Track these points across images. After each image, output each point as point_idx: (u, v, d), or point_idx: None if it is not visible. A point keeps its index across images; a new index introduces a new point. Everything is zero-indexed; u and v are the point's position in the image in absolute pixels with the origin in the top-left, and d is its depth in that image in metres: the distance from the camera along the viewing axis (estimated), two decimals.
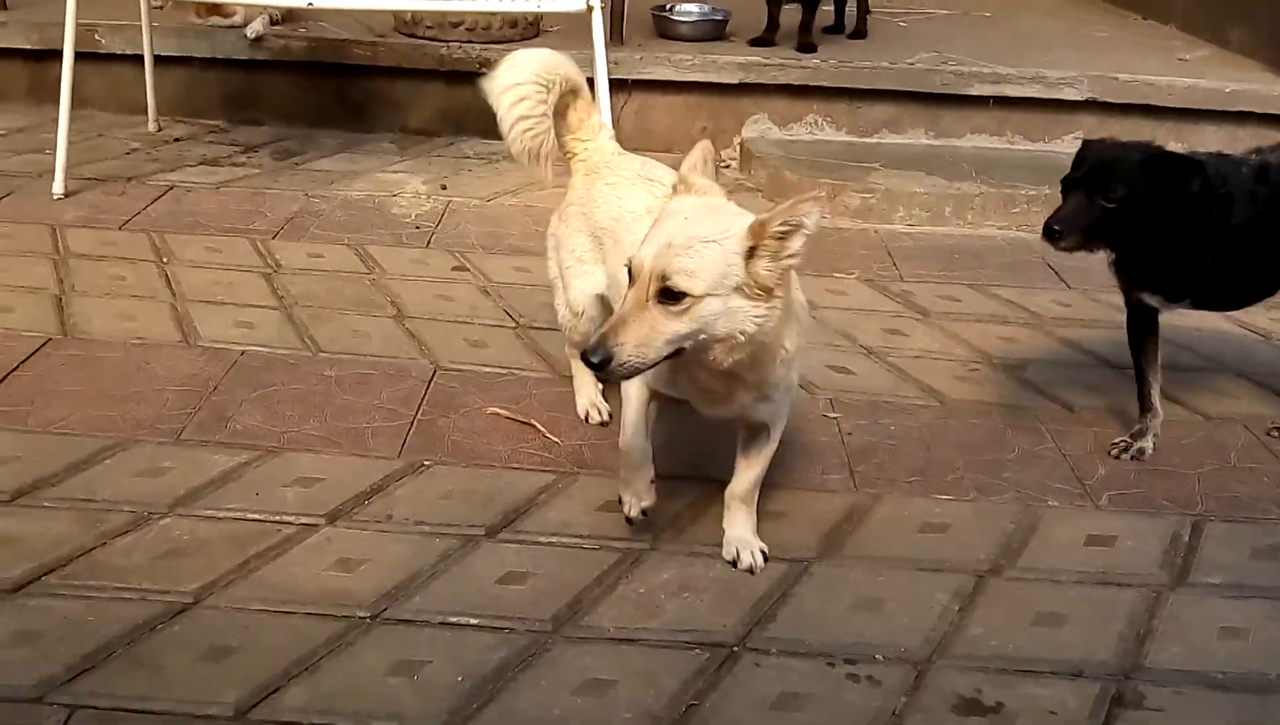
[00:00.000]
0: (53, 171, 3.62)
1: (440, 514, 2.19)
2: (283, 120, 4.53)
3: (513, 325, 3.02)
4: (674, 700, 1.76)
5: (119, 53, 4.33)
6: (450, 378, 2.71)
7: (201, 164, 4.04)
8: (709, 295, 1.66)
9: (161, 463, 2.29)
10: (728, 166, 4.42)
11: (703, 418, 2.06)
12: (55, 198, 3.59)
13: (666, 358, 1.71)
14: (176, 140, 4.27)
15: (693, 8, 4.85)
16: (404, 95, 4.53)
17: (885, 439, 2.56)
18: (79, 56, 3.67)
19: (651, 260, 1.66)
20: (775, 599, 2.00)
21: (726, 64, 4.42)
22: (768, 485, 2.19)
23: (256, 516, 2.14)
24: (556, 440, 2.47)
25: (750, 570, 2.03)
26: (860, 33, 4.85)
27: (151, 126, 4.31)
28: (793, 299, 1.85)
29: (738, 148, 4.44)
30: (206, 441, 2.38)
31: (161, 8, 4.35)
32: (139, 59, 4.20)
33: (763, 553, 2.06)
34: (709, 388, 1.89)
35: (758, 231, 1.67)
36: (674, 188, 1.85)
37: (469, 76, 4.43)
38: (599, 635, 1.89)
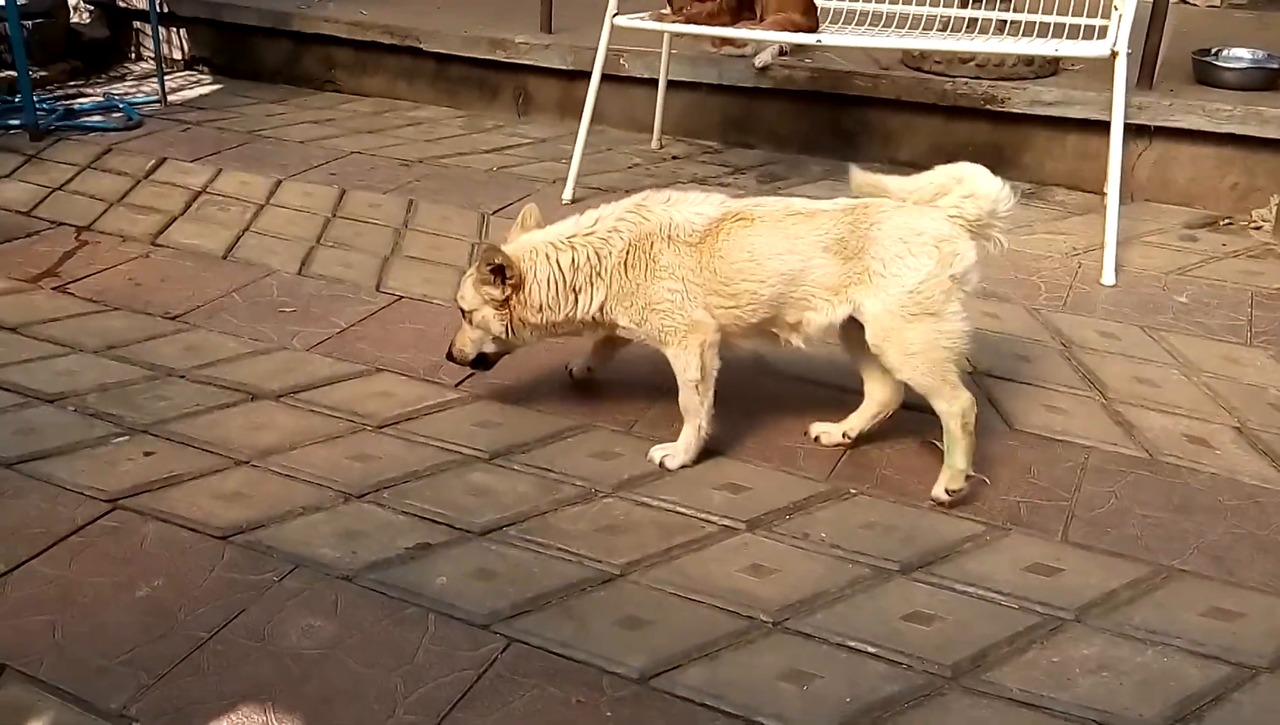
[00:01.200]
0: (565, 179, 4.29)
1: (857, 542, 2.32)
2: (773, 144, 4.94)
3: (971, 371, 3.06)
4: None
5: (637, 76, 4.99)
6: (895, 414, 2.82)
7: (693, 181, 4.53)
8: (475, 311, 2.66)
9: (614, 448, 2.67)
10: (1258, 228, 4.07)
11: None
12: (564, 203, 4.24)
13: (483, 351, 2.73)
14: (674, 158, 4.83)
15: (1243, 53, 4.54)
16: (898, 127, 4.72)
17: None
18: (603, 78, 4.30)
19: (457, 298, 2.71)
20: (1208, 700, 1.89)
21: (1273, 117, 4.08)
22: (1221, 581, 2.05)
23: (684, 511, 2.42)
24: (984, 478, 2.51)
25: (661, 464, 2.59)
26: None
27: (654, 144, 4.91)
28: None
29: (1274, 209, 4.07)
30: (654, 437, 2.71)
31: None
32: (653, 82, 4.82)
33: (673, 461, 2.59)
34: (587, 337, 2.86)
35: (477, 268, 2.62)
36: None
37: (970, 112, 4.54)
38: (999, 693, 1.92)
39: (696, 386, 2.55)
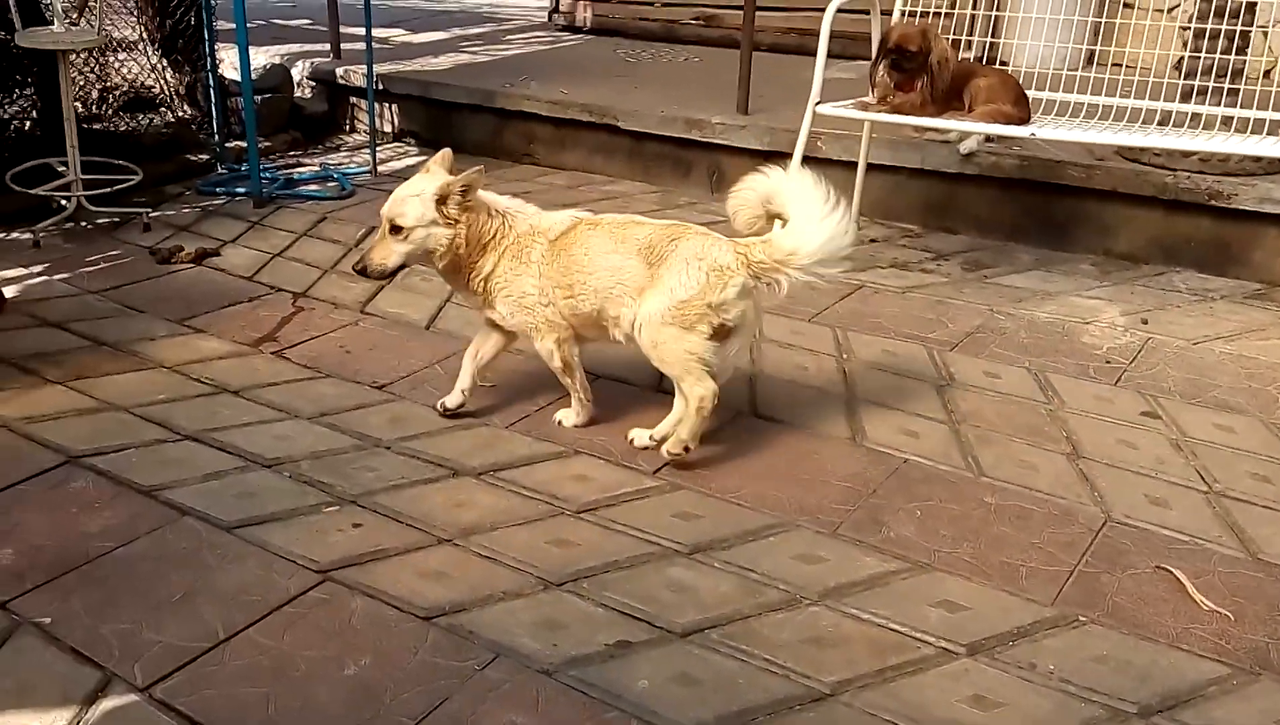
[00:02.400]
0: None
1: (1090, 677, 2.15)
2: (977, 231, 4.78)
3: (1204, 489, 2.84)
4: None
5: (835, 158, 4.93)
6: (1122, 533, 2.64)
7: (891, 266, 4.42)
8: (417, 227, 2.87)
9: (817, 552, 2.56)
10: None
11: None
12: None
13: (399, 267, 2.94)
14: (872, 241, 4.73)
15: None
16: (1114, 219, 4.50)
17: None
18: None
19: (385, 211, 2.92)
20: None
21: None
22: None
23: (898, 628, 2.30)
24: (1228, 614, 2.29)
25: (560, 423, 3.12)
26: None
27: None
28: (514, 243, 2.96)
29: None
30: (859, 541, 2.61)
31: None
32: (852, 165, 4.74)
33: (568, 421, 3.12)
34: (462, 290, 3.08)
35: (443, 189, 2.86)
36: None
37: (1193, 207, 4.29)
38: None
39: (562, 372, 3.04)
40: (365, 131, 6.19)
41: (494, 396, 3.32)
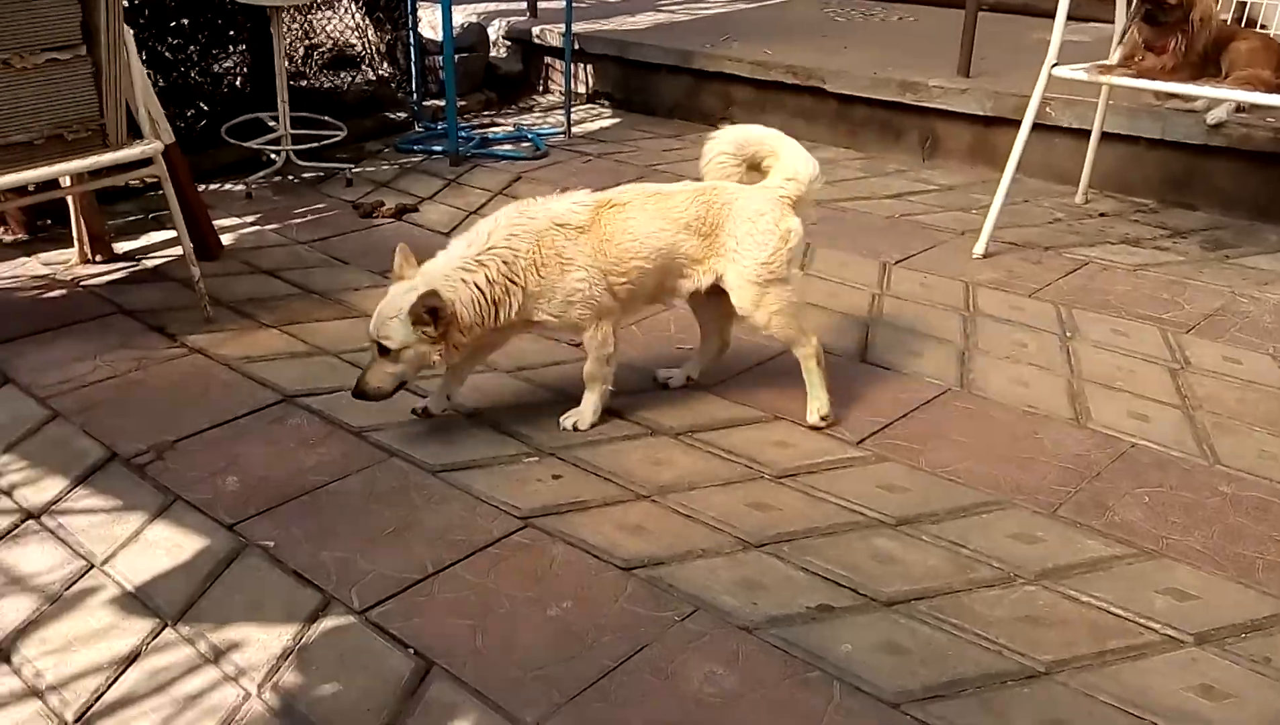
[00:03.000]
0: (976, 231, 4.23)
1: None
2: (1220, 208, 4.62)
3: None
4: None
5: (1065, 125, 4.85)
6: None
7: (1122, 243, 4.33)
8: (406, 348, 2.79)
9: (1034, 531, 2.58)
10: None
11: None
12: (975, 257, 4.18)
13: (398, 387, 2.87)
14: (1101, 215, 4.63)
15: None
16: None
17: None
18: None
19: (370, 330, 2.84)
20: None
21: None
22: None
23: (1120, 612, 2.30)
24: None
25: (574, 427, 3.05)
26: None
27: (1079, 198, 4.74)
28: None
29: None
30: (1080, 523, 2.61)
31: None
32: (1084, 133, 4.66)
33: (583, 422, 3.07)
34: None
35: (414, 313, 2.76)
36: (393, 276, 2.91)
37: None
38: None
39: (607, 359, 3.06)
40: (559, 92, 6.43)
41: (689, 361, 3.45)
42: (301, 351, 3.45)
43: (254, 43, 5.50)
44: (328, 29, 6.17)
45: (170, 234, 4.20)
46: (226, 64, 5.58)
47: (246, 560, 2.47)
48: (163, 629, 2.27)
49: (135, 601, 2.35)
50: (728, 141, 3.13)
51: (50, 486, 2.77)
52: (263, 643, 2.21)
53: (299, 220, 4.66)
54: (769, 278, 2.97)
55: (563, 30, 6.02)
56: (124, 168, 3.52)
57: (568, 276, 2.91)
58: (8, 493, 2.76)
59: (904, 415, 3.12)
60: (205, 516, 2.62)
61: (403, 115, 5.97)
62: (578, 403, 3.07)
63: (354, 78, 5.94)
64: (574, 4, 6.01)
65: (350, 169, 5.11)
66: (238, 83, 5.54)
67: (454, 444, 2.95)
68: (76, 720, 2.06)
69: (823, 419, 3.07)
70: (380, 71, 6.10)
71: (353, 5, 6.05)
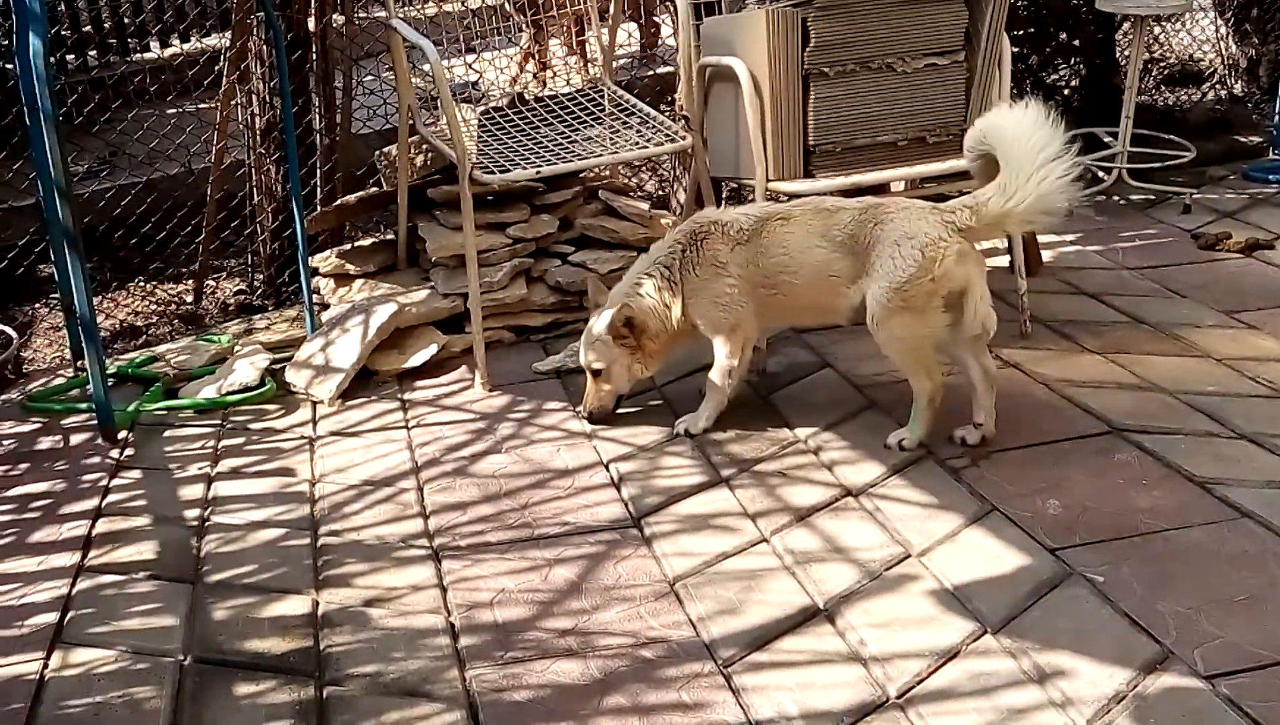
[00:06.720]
0: None
1: None
2: None
3: None
4: None
5: None
6: None
7: None
8: (610, 366, 3.34)
9: None
10: None
11: None
12: None
13: (619, 401, 3.43)
14: None
15: None
16: None
17: None
18: None
19: (582, 363, 3.40)
20: None
21: None
22: None
23: None
24: None
25: (686, 433, 3.34)
26: None
27: None
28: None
29: None
30: None
31: None
32: None
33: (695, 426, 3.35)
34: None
35: (612, 328, 3.27)
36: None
37: None
38: None
39: (730, 372, 3.28)
40: None
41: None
42: (1130, 383, 3.39)
43: (1095, 53, 5.53)
44: (1173, 41, 6.02)
45: None
46: (1052, 76, 5.68)
47: (1071, 588, 2.48)
48: (982, 634, 2.36)
49: (954, 600, 2.48)
50: (970, 134, 3.09)
51: (868, 470, 3.03)
52: (1092, 678, 2.21)
53: (1126, 243, 4.59)
54: (900, 305, 2.99)
55: None
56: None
57: (720, 280, 3.22)
58: (829, 467, 3.07)
59: None
60: (1025, 533, 2.69)
61: (1256, 140, 5.62)
62: None
63: (1204, 95, 5.72)
64: None
65: (1190, 195, 4.91)
66: (1066, 93, 5.61)
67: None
68: (900, 695, 2.22)
69: (903, 447, 3.13)
70: (1233, 89, 5.81)
71: (1216, 15, 5.83)
